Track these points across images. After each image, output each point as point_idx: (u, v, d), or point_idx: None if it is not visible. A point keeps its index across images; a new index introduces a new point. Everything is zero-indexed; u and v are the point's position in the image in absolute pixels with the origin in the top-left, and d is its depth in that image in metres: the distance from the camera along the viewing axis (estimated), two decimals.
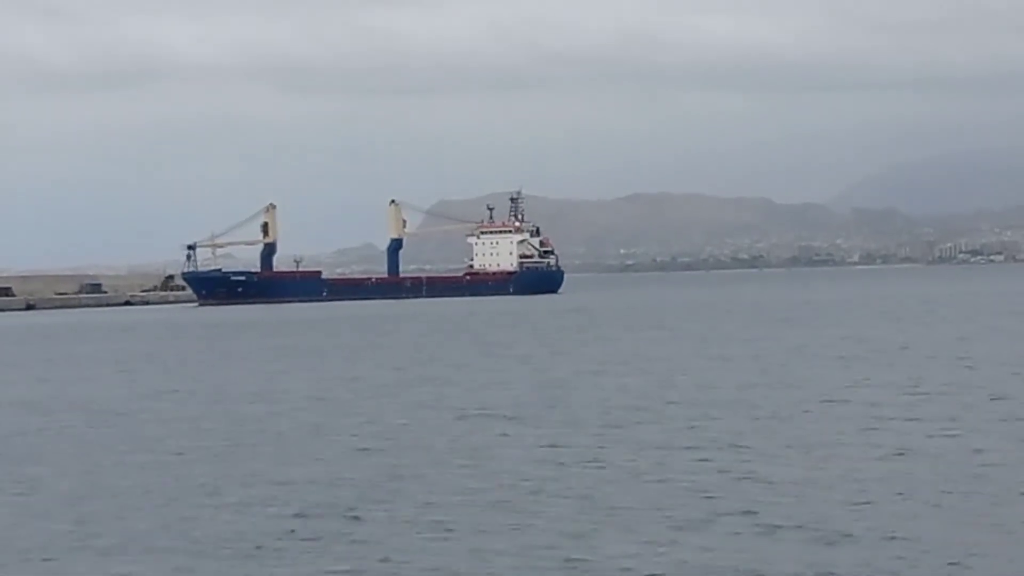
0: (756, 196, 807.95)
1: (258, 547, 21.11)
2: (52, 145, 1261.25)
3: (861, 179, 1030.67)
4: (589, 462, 28.54)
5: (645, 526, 21.82)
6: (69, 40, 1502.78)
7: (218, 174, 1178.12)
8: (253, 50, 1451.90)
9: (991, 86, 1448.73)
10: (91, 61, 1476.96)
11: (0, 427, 38.89)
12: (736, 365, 53.79)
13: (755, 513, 22.46)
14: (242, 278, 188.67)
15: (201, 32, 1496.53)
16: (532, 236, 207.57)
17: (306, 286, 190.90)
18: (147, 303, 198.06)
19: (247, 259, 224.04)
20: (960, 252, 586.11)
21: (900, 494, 23.96)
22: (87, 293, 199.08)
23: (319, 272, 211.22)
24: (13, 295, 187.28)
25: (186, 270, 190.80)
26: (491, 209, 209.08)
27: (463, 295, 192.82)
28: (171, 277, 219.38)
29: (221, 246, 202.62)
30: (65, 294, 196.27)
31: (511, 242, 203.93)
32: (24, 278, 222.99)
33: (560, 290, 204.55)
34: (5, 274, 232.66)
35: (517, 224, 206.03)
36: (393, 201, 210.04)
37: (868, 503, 23.18)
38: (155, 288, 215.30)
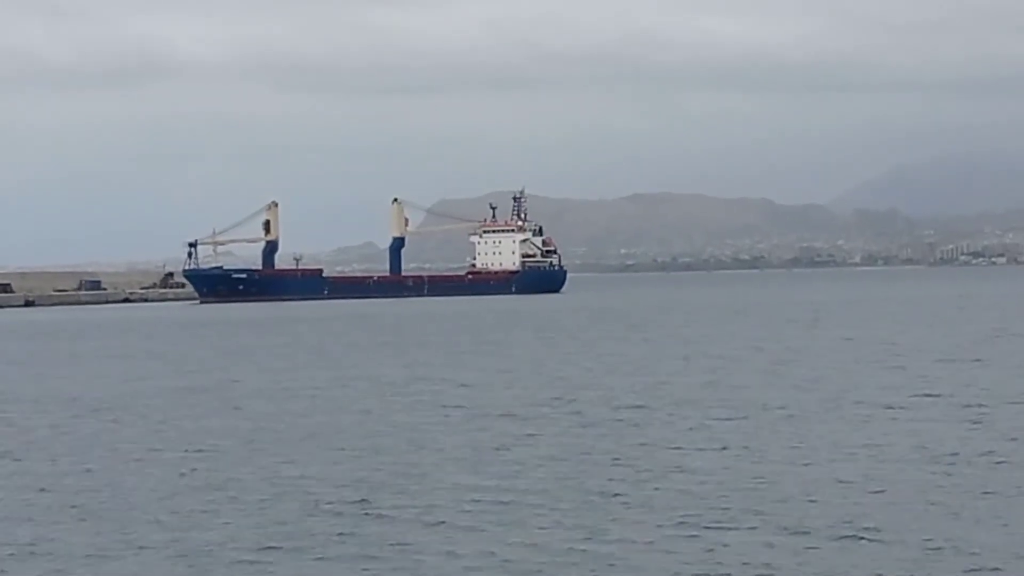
0: (757, 197, 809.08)
1: (267, 546, 20.88)
2: (53, 142, 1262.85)
3: (863, 180, 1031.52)
4: (598, 460, 28.32)
5: (657, 524, 21.62)
6: (71, 37, 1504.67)
7: (218, 172, 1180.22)
8: (255, 48, 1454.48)
9: (993, 87, 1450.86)
10: (93, 58, 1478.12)
11: (11, 424, 38.59)
12: (777, 366, 53.25)
13: (770, 514, 22.25)
14: (243, 276, 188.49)
15: (203, 30, 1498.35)
16: (535, 235, 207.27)
17: (308, 284, 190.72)
18: (146, 300, 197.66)
19: (248, 257, 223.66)
20: (962, 254, 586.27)
21: (919, 492, 23.71)
22: (86, 290, 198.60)
23: (320, 270, 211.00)
24: (12, 291, 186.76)
25: (187, 267, 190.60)
26: (494, 208, 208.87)
27: (465, 294, 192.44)
28: (171, 274, 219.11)
29: (222, 243, 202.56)
30: (64, 291, 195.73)
31: (514, 241, 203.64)
32: (23, 274, 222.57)
33: (562, 290, 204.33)
34: (4, 270, 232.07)
35: (520, 223, 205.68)
36: (396, 199, 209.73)
37: (892, 503, 22.97)
38: (154, 285, 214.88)
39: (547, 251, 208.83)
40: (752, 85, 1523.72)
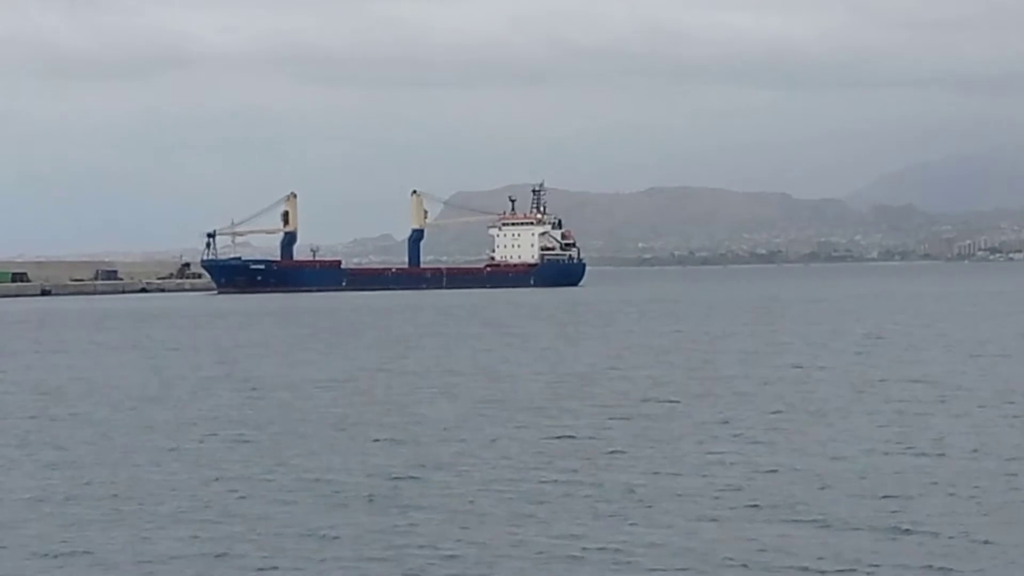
0: (775, 191, 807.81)
1: (292, 536, 20.76)
2: (72, 132, 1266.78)
3: (881, 176, 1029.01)
4: (616, 453, 28.21)
5: (676, 517, 21.53)
6: (91, 28, 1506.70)
7: (236, 163, 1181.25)
8: (274, 40, 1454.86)
9: (1012, 84, 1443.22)
10: (113, 49, 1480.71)
11: (28, 413, 38.52)
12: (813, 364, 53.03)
13: (792, 506, 22.14)
14: (261, 267, 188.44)
15: (222, 22, 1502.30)
16: (554, 228, 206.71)
17: (326, 276, 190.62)
18: (163, 291, 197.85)
19: (266, 248, 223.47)
20: (979, 250, 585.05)
21: (935, 485, 23.54)
22: (103, 280, 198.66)
23: (339, 262, 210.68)
24: (29, 280, 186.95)
25: (205, 258, 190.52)
26: (513, 201, 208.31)
27: (484, 287, 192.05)
28: (187, 265, 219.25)
29: (241, 234, 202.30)
30: (81, 280, 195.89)
31: (533, 234, 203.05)
32: (40, 264, 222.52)
33: (581, 283, 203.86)
34: (21, 260, 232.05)
35: (539, 216, 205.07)
36: (415, 191, 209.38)
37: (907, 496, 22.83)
38: (171, 276, 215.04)
39: (566, 244, 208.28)
40: (771, 80, 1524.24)
